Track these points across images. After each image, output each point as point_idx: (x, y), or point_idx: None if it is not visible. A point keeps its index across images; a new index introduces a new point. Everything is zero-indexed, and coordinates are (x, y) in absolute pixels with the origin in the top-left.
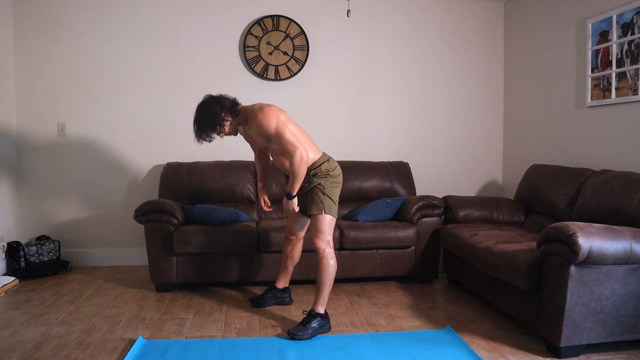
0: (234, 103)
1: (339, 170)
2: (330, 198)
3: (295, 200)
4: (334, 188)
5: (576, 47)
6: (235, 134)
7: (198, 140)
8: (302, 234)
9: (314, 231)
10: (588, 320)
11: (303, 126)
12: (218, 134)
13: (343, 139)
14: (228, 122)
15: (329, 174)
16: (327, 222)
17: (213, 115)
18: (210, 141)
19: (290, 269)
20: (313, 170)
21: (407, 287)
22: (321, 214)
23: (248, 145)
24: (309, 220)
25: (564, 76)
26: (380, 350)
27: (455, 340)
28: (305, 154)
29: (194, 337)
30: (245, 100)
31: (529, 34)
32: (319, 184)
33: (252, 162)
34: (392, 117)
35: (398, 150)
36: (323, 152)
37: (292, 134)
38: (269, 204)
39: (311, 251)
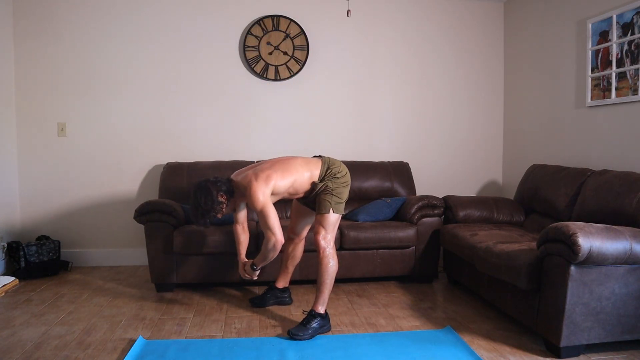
0: (228, 186)
1: (344, 170)
2: (337, 197)
3: (257, 272)
4: (342, 187)
5: (576, 47)
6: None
7: (199, 224)
8: (305, 233)
9: (317, 228)
10: (588, 320)
11: (303, 126)
12: (217, 215)
13: (343, 139)
14: (225, 205)
15: (335, 176)
16: (332, 220)
17: (207, 200)
18: (211, 222)
19: (291, 268)
20: (319, 182)
21: (407, 287)
22: (328, 212)
23: (248, 145)
24: (312, 221)
25: (564, 76)
26: (380, 350)
27: (455, 340)
28: (280, 243)
29: (194, 337)
30: (245, 100)
31: (529, 34)
32: (327, 186)
33: (252, 161)
34: (392, 117)
35: (398, 150)
36: (322, 160)
37: (275, 218)
38: (253, 276)
39: (312, 251)
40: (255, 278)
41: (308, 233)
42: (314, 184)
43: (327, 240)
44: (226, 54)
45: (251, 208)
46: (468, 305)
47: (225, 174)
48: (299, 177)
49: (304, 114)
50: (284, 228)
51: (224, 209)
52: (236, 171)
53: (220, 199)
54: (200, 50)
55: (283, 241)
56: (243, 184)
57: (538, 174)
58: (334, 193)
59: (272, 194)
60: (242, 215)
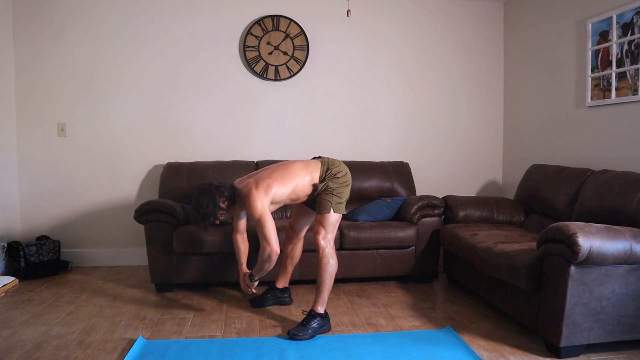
0: (231, 192)
1: (344, 169)
2: (338, 197)
3: (256, 283)
4: (343, 187)
5: (576, 47)
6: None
7: (198, 227)
8: (303, 233)
9: (317, 227)
10: (588, 320)
11: (303, 126)
12: (215, 220)
13: (343, 139)
14: (224, 211)
15: (336, 176)
16: (332, 220)
17: (208, 204)
18: (210, 226)
19: (290, 268)
20: (320, 183)
21: (407, 287)
22: (329, 212)
23: (248, 145)
24: (312, 220)
25: (564, 76)
26: (380, 350)
27: (455, 340)
28: (275, 254)
29: (194, 337)
30: (245, 100)
31: (529, 34)
32: (328, 186)
33: (252, 162)
34: (392, 117)
35: (398, 150)
36: (321, 161)
37: (272, 227)
38: (252, 287)
39: (312, 251)
40: (255, 290)
41: (307, 232)
42: (315, 186)
43: (327, 240)
44: (226, 54)
45: (249, 217)
46: (468, 305)
47: (225, 174)
48: (300, 182)
49: (304, 114)
50: (282, 229)
51: (223, 216)
52: (239, 178)
53: (221, 204)
54: (200, 50)
55: (278, 251)
56: (244, 192)
57: (538, 174)
58: (334, 193)
59: (273, 202)
60: (242, 224)
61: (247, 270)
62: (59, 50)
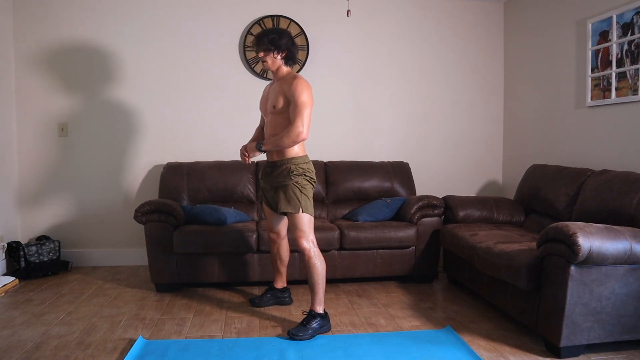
0: (294, 58)
1: (314, 174)
2: (307, 197)
3: (257, 154)
4: (310, 188)
5: (576, 47)
6: (265, 74)
7: (253, 46)
8: (284, 232)
9: (295, 232)
10: (588, 320)
11: None
12: (265, 56)
13: (343, 138)
14: (279, 57)
15: (305, 174)
16: (307, 221)
17: (285, 41)
18: (259, 57)
19: (282, 269)
20: (293, 166)
21: (407, 287)
22: (298, 212)
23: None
24: (286, 219)
25: (564, 76)
26: (380, 350)
27: (455, 340)
28: (301, 140)
29: (194, 337)
30: (245, 100)
31: (529, 33)
32: (297, 182)
33: (252, 162)
34: (392, 116)
35: (398, 150)
36: (306, 154)
37: (309, 116)
38: (252, 155)
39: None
40: (249, 162)
41: (289, 235)
42: (288, 172)
43: (310, 241)
44: (226, 54)
45: (287, 97)
46: (468, 305)
47: (225, 174)
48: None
49: None
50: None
51: (271, 60)
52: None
53: (282, 52)
54: (201, 50)
55: (306, 138)
56: (293, 74)
57: (538, 174)
58: (303, 191)
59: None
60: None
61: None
62: (59, 50)
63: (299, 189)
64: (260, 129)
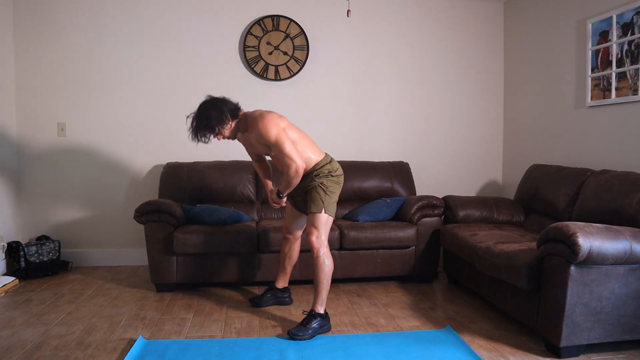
0: (236, 107)
1: (340, 171)
2: (331, 198)
3: (284, 200)
4: (336, 188)
5: (576, 47)
6: (234, 139)
7: (193, 139)
8: (300, 233)
9: (310, 229)
10: (588, 320)
11: (303, 126)
12: (216, 136)
13: (343, 138)
14: (228, 126)
15: (330, 174)
16: (325, 220)
17: (215, 115)
18: (206, 142)
19: (289, 268)
20: (316, 171)
21: (407, 287)
22: (320, 212)
23: None
24: (305, 221)
25: (564, 76)
26: (380, 350)
27: (455, 340)
28: (301, 168)
29: (194, 337)
30: (245, 100)
31: (529, 34)
32: (322, 183)
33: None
34: (392, 117)
35: (398, 150)
36: (326, 154)
37: (291, 145)
38: (281, 203)
39: (308, 251)
40: (284, 205)
41: (302, 235)
42: (311, 176)
43: (321, 240)
44: (226, 54)
45: (262, 144)
46: (468, 305)
47: (225, 174)
48: (307, 141)
49: (304, 114)
50: (281, 228)
51: (225, 131)
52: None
53: (224, 117)
54: (200, 50)
55: (303, 165)
56: (253, 115)
57: (538, 174)
58: (327, 191)
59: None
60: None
61: (273, 188)
62: (59, 50)
63: (324, 189)
64: (257, 163)
